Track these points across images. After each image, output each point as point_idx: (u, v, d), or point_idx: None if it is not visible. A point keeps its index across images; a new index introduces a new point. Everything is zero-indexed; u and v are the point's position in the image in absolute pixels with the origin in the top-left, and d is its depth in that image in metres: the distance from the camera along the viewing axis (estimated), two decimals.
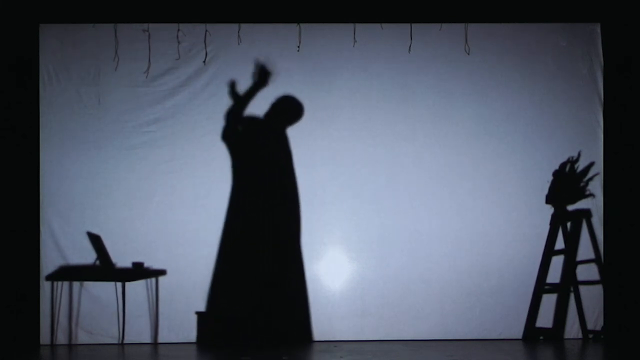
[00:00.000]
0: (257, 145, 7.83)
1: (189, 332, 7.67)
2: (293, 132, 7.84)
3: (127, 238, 7.68)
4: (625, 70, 7.76)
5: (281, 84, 7.84)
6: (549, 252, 7.79)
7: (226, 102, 7.81)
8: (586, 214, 7.82)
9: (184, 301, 7.66)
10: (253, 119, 7.80)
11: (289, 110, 7.82)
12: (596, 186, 7.84)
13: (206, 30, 7.81)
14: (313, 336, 7.71)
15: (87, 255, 7.65)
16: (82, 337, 7.63)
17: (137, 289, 7.63)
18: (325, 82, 7.88)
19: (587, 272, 7.77)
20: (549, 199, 7.82)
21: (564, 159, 7.85)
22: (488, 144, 7.86)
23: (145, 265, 7.65)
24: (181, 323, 7.66)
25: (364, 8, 7.79)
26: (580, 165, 7.84)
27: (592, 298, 7.74)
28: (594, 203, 7.83)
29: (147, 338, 7.68)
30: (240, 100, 7.69)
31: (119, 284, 7.56)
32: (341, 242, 7.82)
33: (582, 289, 7.75)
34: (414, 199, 7.83)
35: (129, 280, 7.58)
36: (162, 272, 7.69)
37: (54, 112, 7.77)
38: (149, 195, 7.76)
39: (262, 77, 7.66)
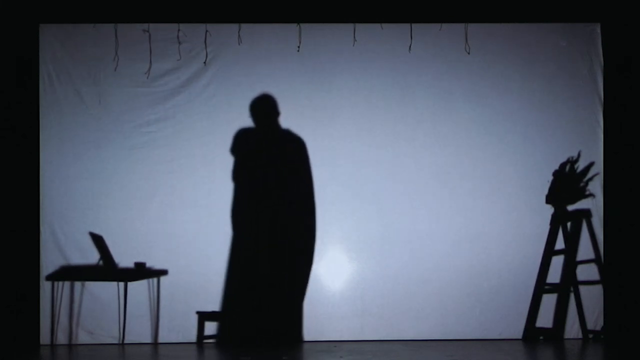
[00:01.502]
0: (258, 149, 7.85)
1: (190, 332, 7.68)
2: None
3: (128, 238, 7.68)
4: (625, 70, 7.76)
5: (281, 84, 7.84)
6: (549, 252, 7.79)
7: (226, 103, 7.82)
8: (586, 214, 7.82)
9: (184, 301, 7.67)
10: (247, 135, 7.82)
11: (263, 106, 7.81)
12: (596, 186, 7.84)
13: (206, 31, 7.81)
14: (304, 337, 7.73)
15: (88, 255, 7.65)
16: (83, 337, 7.63)
17: (138, 288, 7.63)
18: (325, 82, 7.88)
19: (587, 272, 7.78)
20: (549, 199, 7.82)
21: (564, 159, 7.86)
22: (488, 144, 7.86)
23: (147, 265, 7.65)
24: (182, 323, 7.67)
25: (364, 8, 7.79)
26: (580, 165, 7.84)
27: (592, 298, 7.74)
28: (594, 203, 7.83)
29: (147, 338, 7.68)
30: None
31: (121, 284, 7.57)
32: (341, 242, 7.82)
33: (582, 289, 7.75)
34: (414, 199, 7.83)
35: (131, 280, 7.59)
36: (164, 272, 7.70)
37: (54, 112, 7.77)
38: (149, 195, 7.76)
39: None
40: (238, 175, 7.79)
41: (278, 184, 7.80)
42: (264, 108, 7.81)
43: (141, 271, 7.65)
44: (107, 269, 7.59)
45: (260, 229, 7.75)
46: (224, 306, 7.68)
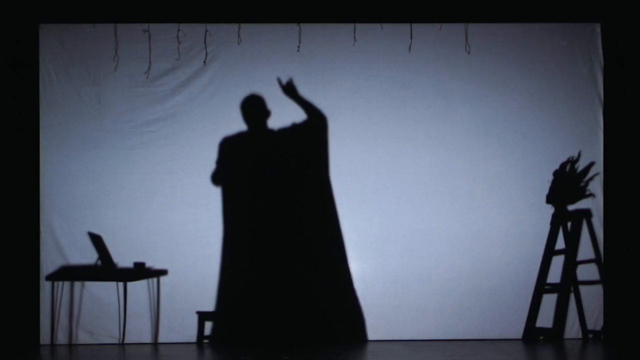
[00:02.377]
0: (258, 148, 7.85)
1: (190, 332, 7.68)
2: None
3: (128, 238, 7.68)
4: (625, 70, 7.77)
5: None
6: (549, 252, 7.79)
7: (226, 103, 7.82)
8: (586, 214, 7.82)
9: (184, 301, 7.66)
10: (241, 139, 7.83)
11: (254, 106, 7.81)
12: (596, 186, 7.84)
13: (206, 31, 7.81)
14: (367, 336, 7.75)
15: (88, 255, 7.65)
16: (83, 337, 7.63)
17: (138, 288, 7.63)
18: (325, 82, 7.88)
19: (587, 272, 7.78)
20: (549, 199, 7.82)
21: (564, 159, 7.85)
22: (488, 144, 7.86)
23: (147, 265, 7.65)
24: (182, 323, 7.67)
25: (364, 8, 7.79)
26: (580, 165, 7.84)
27: (592, 298, 7.74)
28: (594, 203, 7.83)
29: (147, 338, 7.68)
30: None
31: (121, 284, 7.57)
32: None
33: (582, 289, 7.75)
34: (414, 199, 7.83)
35: (131, 280, 7.59)
36: (164, 272, 7.70)
37: (54, 112, 7.77)
38: (149, 195, 7.76)
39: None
40: (239, 176, 7.79)
41: (279, 183, 7.81)
42: (257, 107, 7.81)
43: (141, 271, 7.65)
44: (106, 269, 7.58)
45: (261, 228, 7.76)
46: (223, 306, 7.68)
